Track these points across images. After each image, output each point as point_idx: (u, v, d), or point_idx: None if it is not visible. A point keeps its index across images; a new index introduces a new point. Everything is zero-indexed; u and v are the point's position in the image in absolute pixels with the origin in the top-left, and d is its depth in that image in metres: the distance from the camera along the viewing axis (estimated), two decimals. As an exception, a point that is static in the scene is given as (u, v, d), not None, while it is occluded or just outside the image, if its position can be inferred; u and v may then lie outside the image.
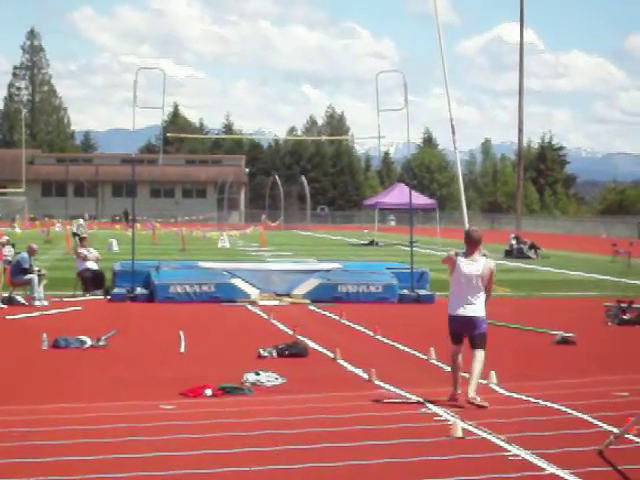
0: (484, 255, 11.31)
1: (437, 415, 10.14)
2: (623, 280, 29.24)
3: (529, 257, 41.91)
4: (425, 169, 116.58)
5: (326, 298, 22.05)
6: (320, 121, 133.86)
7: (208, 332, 17.21)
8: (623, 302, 19.28)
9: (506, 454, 8.55)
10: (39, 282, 21.16)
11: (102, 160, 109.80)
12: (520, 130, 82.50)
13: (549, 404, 10.72)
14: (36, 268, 21.80)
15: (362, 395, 11.22)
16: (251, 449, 8.60)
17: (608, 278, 30.42)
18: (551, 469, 8.05)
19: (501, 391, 11.63)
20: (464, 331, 10.95)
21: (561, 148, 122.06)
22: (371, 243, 54.27)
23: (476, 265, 10.87)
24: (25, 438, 8.85)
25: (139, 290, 22.20)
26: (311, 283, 22.70)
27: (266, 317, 19.09)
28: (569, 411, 10.34)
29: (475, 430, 9.40)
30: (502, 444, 8.86)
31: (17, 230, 61.65)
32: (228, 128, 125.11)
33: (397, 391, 11.48)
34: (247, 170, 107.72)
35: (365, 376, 12.50)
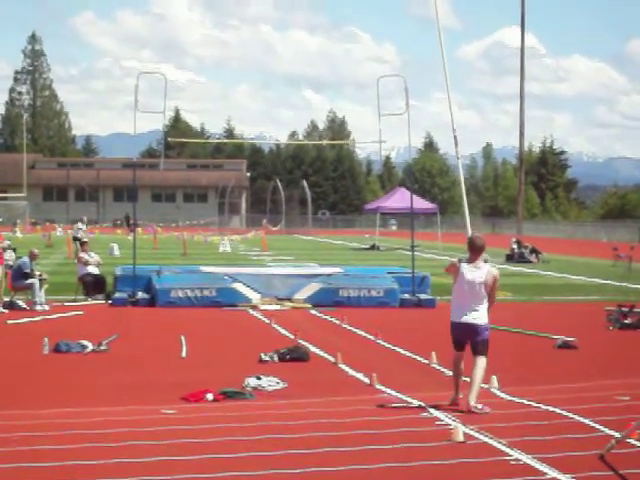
0: (485, 260, 11.32)
1: (438, 419, 10.14)
2: (624, 284, 29.24)
3: (530, 261, 41.89)
4: (426, 173, 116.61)
5: (327, 302, 22.06)
6: (321, 125, 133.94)
7: (209, 337, 17.21)
8: (624, 306, 19.27)
9: (507, 458, 8.55)
10: (40, 287, 21.17)
11: (103, 165, 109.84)
12: (521, 134, 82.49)
13: (550, 408, 10.72)
14: (37, 272, 21.81)
15: (363, 400, 11.22)
16: (252, 453, 8.60)
17: (609, 282, 30.42)
18: (552, 473, 8.05)
19: (502, 395, 11.63)
20: (466, 338, 10.94)
21: (562, 152, 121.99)
22: (372, 247, 54.28)
23: (479, 272, 10.88)
24: (26, 443, 8.85)
25: (140, 294, 22.20)
26: (312, 287, 22.70)
27: (267, 321, 19.09)
28: (570, 415, 10.34)
29: (476, 434, 9.40)
30: (503, 448, 8.86)
31: (18, 235, 61.69)
32: (229, 132, 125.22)
33: (398, 395, 11.48)
34: (248, 174, 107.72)
35: (366, 380, 12.50)
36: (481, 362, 10.84)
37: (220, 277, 23.08)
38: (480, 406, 10.58)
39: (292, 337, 16.51)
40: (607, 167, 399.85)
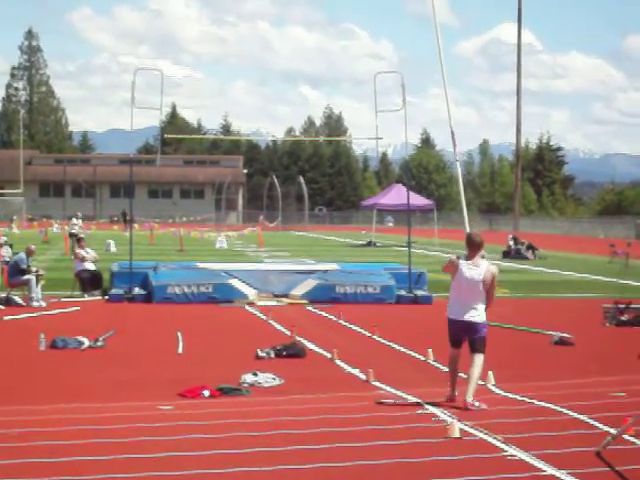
0: (482, 256, 11.32)
1: (435, 416, 10.15)
2: (621, 281, 29.26)
3: (527, 258, 41.93)
4: (423, 170, 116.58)
5: (324, 299, 22.06)
6: (318, 122, 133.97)
7: (206, 333, 17.21)
8: (621, 303, 19.28)
9: (504, 455, 8.55)
10: (37, 283, 21.15)
11: (100, 161, 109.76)
12: (518, 131, 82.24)
13: (547, 405, 10.73)
14: (34, 269, 21.80)
15: (360, 396, 11.23)
16: (249, 450, 8.60)
17: (606, 279, 30.45)
18: (549, 470, 8.06)
19: (499, 392, 11.64)
20: (463, 335, 10.95)
21: (559, 149, 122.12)
22: (369, 244, 54.27)
23: (478, 270, 10.87)
24: (23, 439, 8.84)
25: (137, 291, 22.21)
26: (309, 284, 22.71)
27: (264, 318, 19.09)
28: (567, 412, 10.34)
29: (473, 431, 9.40)
30: (500, 445, 8.87)
31: (15, 231, 61.62)
32: (226, 129, 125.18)
33: (395, 392, 11.49)
34: (245, 171, 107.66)
35: (363, 377, 12.51)
36: (478, 359, 10.84)
37: (217, 273, 23.08)
38: (477, 403, 10.59)
39: (288, 333, 16.51)
40: (604, 163, 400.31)
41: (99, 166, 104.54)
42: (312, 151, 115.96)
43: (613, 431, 9.02)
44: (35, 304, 20.66)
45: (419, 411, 10.41)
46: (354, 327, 17.93)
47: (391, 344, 15.79)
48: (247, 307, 21.11)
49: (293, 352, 14.34)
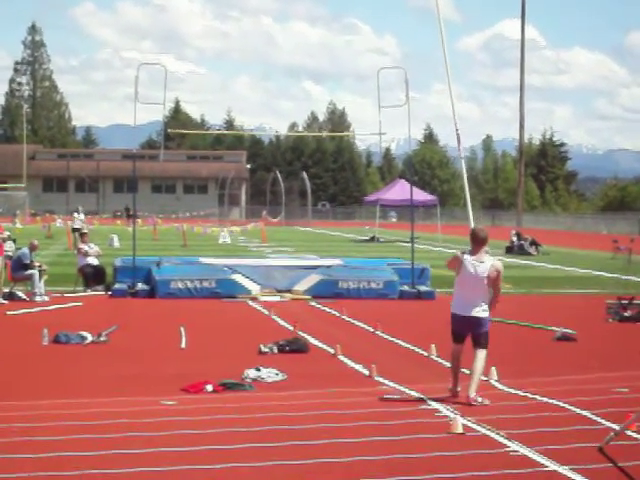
0: (486, 252, 11.31)
1: (437, 411, 10.15)
2: (624, 277, 29.23)
3: (530, 254, 41.90)
4: (426, 165, 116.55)
5: (327, 294, 22.06)
6: (321, 117, 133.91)
7: (209, 328, 17.21)
8: (624, 299, 19.28)
9: (506, 450, 8.56)
10: (40, 278, 21.17)
11: (103, 156, 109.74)
12: (521, 126, 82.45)
13: (549, 400, 10.73)
14: (37, 263, 21.82)
15: (363, 391, 11.23)
16: (252, 445, 8.61)
17: (609, 275, 30.42)
18: (551, 465, 8.06)
19: (501, 387, 11.64)
20: (467, 330, 10.95)
21: (562, 144, 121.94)
22: (372, 239, 54.27)
23: (483, 266, 10.86)
24: (26, 434, 8.86)
25: (140, 286, 22.21)
26: (312, 279, 22.70)
27: (267, 313, 19.10)
28: (569, 408, 10.35)
29: (475, 426, 9.40)
30: (502, 440, 8.87)
31: (18, 225, 61.66)
32: (229, 124, 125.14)
33: (398, 387, 11.50)
34: (248, 166, 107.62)
35: (366, 372, 12.52)
36: (481, 354, 10.85)
37: (220, 268, 23.08)
38: (479, 398, 10.59)
39: (291, 329, 16.52)
40: (607, 159, 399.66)
41: (102, 161, 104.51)
42: (315, 146, 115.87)
43: (616, 427, 9.02)
44: (38, 299, 20.68)
45: (422, 406, 10.42)
46: (357, 322, 17.93)
47: (394, 340, 15.79)
48: (250, 302, 21.12)
49: (296, 347, 14.34)
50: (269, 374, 12.05)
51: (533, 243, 43.35)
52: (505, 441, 8.84)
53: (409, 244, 25.51)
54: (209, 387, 11.20)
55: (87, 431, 9.00)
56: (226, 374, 11.92)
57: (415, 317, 19.53)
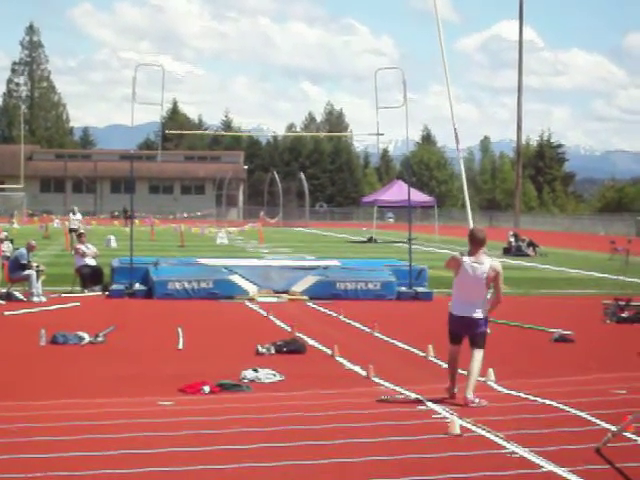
0: (484, 253, 11.30)
1: (435, 412, 10.15)
2: (621, 278, 29.24)
3: (527, 255, 41.92)
4: (424, 166, 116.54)
5: (324, 295, 22.06)
6: (319, 118, 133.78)
7: (206, 329, 17.21)
8: (621, 300, 19.29)
9: (504, 451, 8.55)
10: (37, 278, 21.16)
11: (101, 156, 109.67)
12: (519, 127, 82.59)
13: (547, 402, 10.73)
14: (34, 264, 21.81)
15: (360, 392, 11.23)
16: (249, 446, 8.60)
17: (606, 276, 30.45)
18: (549, 467, 8.06)
19: (499, 388, 11.64)
20: (464, 331, 10.94)
21: (560, 146, 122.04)
22: (370, 240, 54.27)
23: (482, 267, 10.86)
24: (23, 434, 8.85)
25: (137, 286, 22.20)
26: (309, 280, 22.70)
27: (264, 314, 19.09)
28: (567, 409, 10.34)
29: (473, 427, 9.40)
30: (500, 441, 8.87)
31: (15, 226, 61.66)
32: (227, 124, 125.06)
33: (395, 388, 11.49)
34: (246, 167, 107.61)
35: (363, 373, 12.51)
36: (478, 355, 10.84)
37: (217, 269, 23.08)
38: (477, 399, 10.58)
39: (289, 329, 16.51)
40: (604, 160, 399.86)
41: (100, 162, 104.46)
42: (313, 147, 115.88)
43: (613, 428, 9.02)
44: (35, 299, 20.67)
45: (419, 407, 10.41)
46: (354, 323, 17.93)
47: (391, 340, 15.79)
48: (247, 303, 21.11)
49: (293, 348, 14.34)
50: (266, 375, 12.04)
51: (531, 244, 43.37)
52: (503, 442, 8.83)
53: (406, 245, 25.50)
54: (206, 388, 11.19)
55: (85, 431, 8.98)
56: (223, 375, 11.91)
57: (412, 318, 19.53)
